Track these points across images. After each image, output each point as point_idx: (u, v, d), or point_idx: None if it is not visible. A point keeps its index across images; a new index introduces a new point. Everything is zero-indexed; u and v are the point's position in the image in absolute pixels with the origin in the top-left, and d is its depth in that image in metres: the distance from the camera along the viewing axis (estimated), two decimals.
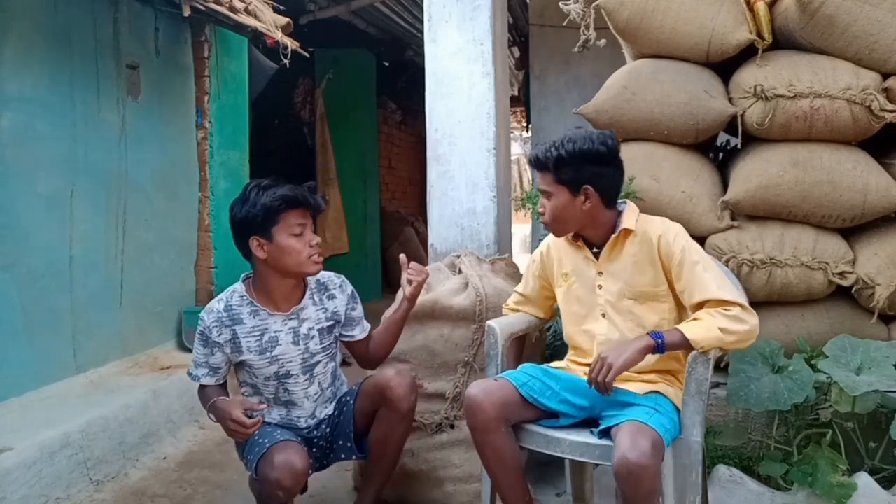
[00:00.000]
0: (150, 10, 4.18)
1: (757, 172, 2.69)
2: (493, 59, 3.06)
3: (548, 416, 2.08)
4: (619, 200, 2.15)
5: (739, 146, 2.83)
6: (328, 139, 6.92)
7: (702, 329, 1.91)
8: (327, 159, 6.91)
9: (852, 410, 2.31)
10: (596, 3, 2.96)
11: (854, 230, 2.74)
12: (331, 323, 2.35)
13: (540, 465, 2.70)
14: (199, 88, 4.65)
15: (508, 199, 3.24)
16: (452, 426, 2.58)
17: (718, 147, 3.19)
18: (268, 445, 2.14)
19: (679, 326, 1.95)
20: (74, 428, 2.89)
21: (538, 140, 5.76)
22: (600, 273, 2.13)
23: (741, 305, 1.94)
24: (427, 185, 3.16)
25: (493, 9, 3.06)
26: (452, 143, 3.09)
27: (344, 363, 2.61)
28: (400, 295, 2.54)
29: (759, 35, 2.77)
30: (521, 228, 11.79)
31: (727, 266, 2.57)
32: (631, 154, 2.89)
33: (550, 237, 2.27)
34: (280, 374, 2.28)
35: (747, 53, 2.82)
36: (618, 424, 1.88)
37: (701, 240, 2.79)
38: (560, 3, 3.09)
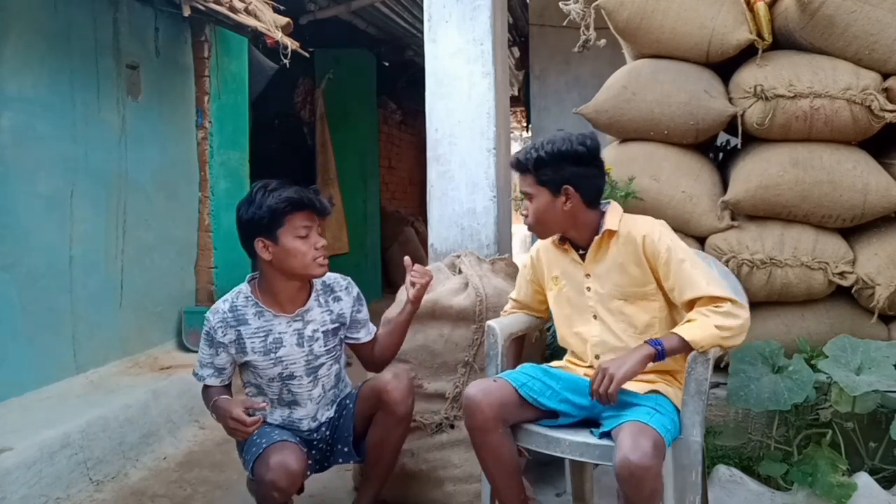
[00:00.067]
0: (150, 10, 4.18)
1: (757, 172, 2.69)
2: (493, 59, 3.06)
3: (547, 415, 2.08)
4: (603, 201, 2.16)
5: (739, 146, 2.83)
6: (328, 139, 6.92)
7: (698, 329, 1.91)
8: (327, 159, 6.91)
9: (852, 410, 2.31)
10: (596, 3, 2.96)
11: (854, 230, 2.74)
12: (336, 325, 2.35)
13: (540, 465, 2.70)
14: (199, 88, 4.65)
15: (508, 199, 3.24)
16: (452, 426, 2.58)
17: (718, 147, 3.19)
18: (265, 446, 2.14)
19: (676, 330, 1.94)
20: (74, 428, 2.89)
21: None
22: (588, 275, 2.14)
23: (731, 300, 1.94)
24: (427, 185, 3.16)
25: (493, 9, 3.06)
26: (452, 143, 3.09)
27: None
28: (401, 296, 2.54)
29: (759, 35, 2.77)
30: (522, 228, 11.73)
31: (727, 266, 2.57)
32: (631, 154, 2.90)
33: (540, 242, 2.28)
34: (284, 375, 2.28)
35: (747, 53, 2.82)
36: (619, 425, 1.88)
37: (701, 240, 2.80)
38: (560, 3, 3.09)
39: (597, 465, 2.29)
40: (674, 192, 2.79)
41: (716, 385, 2.58)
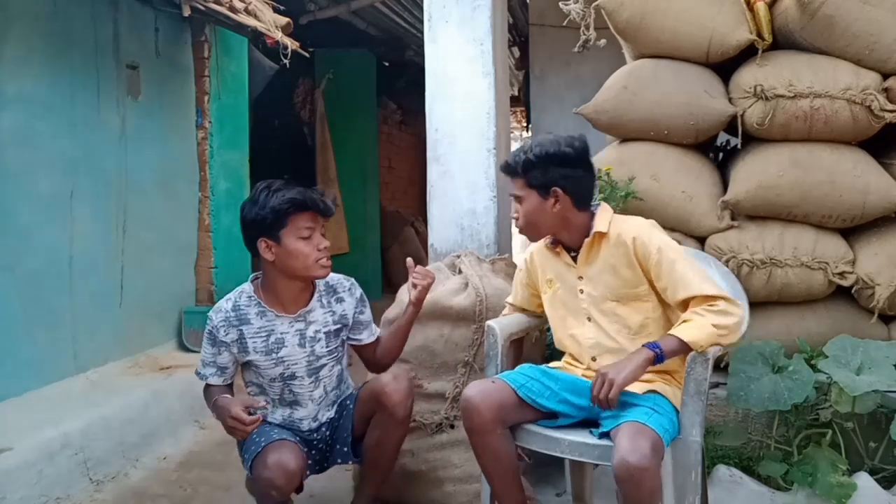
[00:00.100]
0: (150, 10, 4.18)
1: (757, 173, 2.69)
2: (493, 59, 3.06)
3: (546, 416, 2.08)
4: (593, 203, 2.15)
5: (739, 146, 2.83)
6: (328, 139, 6.92)
7: (696, 330, 1.91)
8: (327, 159, 6.91)
9: (852, 410, 2.31)
10: (596, 3, 2.96)
11: (854, 230, 2.74)
12: (338, 326, 2.34)
13: (540, 465, 2.70)
14: (199, 88, 4.66)
15: (508, 199, 3.24)
16: (452, 426, 2.57)
17: (718, 147, 3.19)
18: (263, 444, 2.14)
19: (673, 332, 1.94)
20: (74, 428, 2.89)
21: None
22: (580, 277, 2.14)
23: (725, 298, 1.94)
24: (427, 185, 3.16)
25: (493, 9, 3.06)
26: (452, 143, 3.09)
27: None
28: (402, 296, 2.54)
29: (759, 35, 2.77)
30: None
31: (727, 266, 2.57)
32: (631, 154, 2.90)
33: (533, 245, 2.28)
34: (285, 375, 2.28)
35: (747, 53, 2.82)
36: (617, 426, 1.88)
37: (701, 240, 2.80)
38: (560, 3, 3.09)
39: (597, 465, 2.29)
40: (674, 192, 2.79)
41: (716, 385, 2.58)
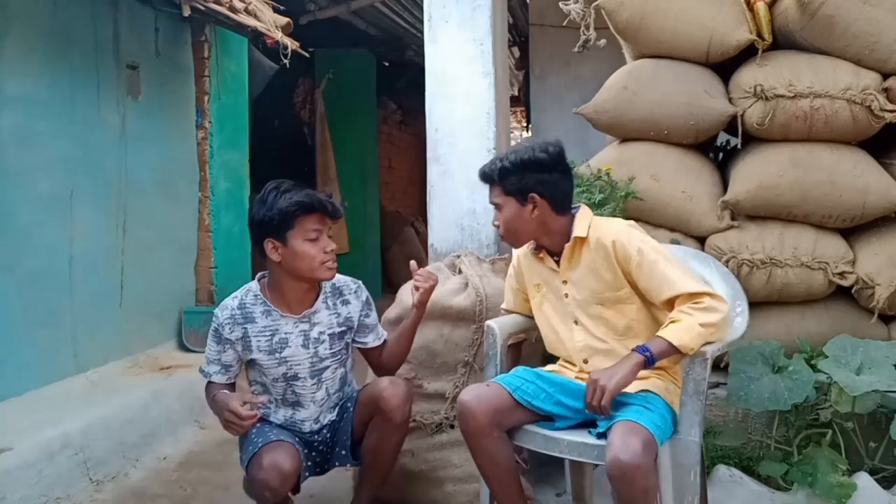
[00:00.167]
0: (150, 10, 4.18)
1: (757, 173, 2.69)
2: (493, 59, 3.06)
3: (542, 419, 2.08)
4: (574, 206, 2.15)
5: (739, 146, 2.83)
6: (328, 139, 6.92)
7: (684, 331, 1.90)
8: (327, 159, 6.91)
9: (852, 410, 2.31)
10: (596, 3, 2.96)
11: (854, 230, 2.74)
12: (342, 329, 2.34)
13: (540, 465, 2.70)
14: (199, 88, 4.66)
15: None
16: (452, 426, 2.57)
17: (718, 147, 3.19)
18: (260, 445, 2.15)
19: (661, 333, 1.92)
20: (74, 428, 2.89)
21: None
22: (565, 282, 2.14)
23: (709, 294, 1.94)
24: (427, 185, 3.15)
25: (493, 9, 3.06)
26: (452, 143, 3.09)
27: None
28: (402, 296, 2.53)
29: (759, 35, 2.77)
30: None
31: (727, 266, 2.57)
32: (631, 154, 2.90)
33: (519, 250, 2.28)
34: (288, 375, 2.28)
35: (747, 53, 2.82)
36: (611, 425, 1.88)
37: (701, 240, 2.80)
38: (560, 3, 3.09)
39: (596, 465, 2.29)
40: (674, 192, 2.79)
41: (716, 385, 2.58)
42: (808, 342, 2.54)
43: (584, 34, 3.04)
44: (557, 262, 2.15)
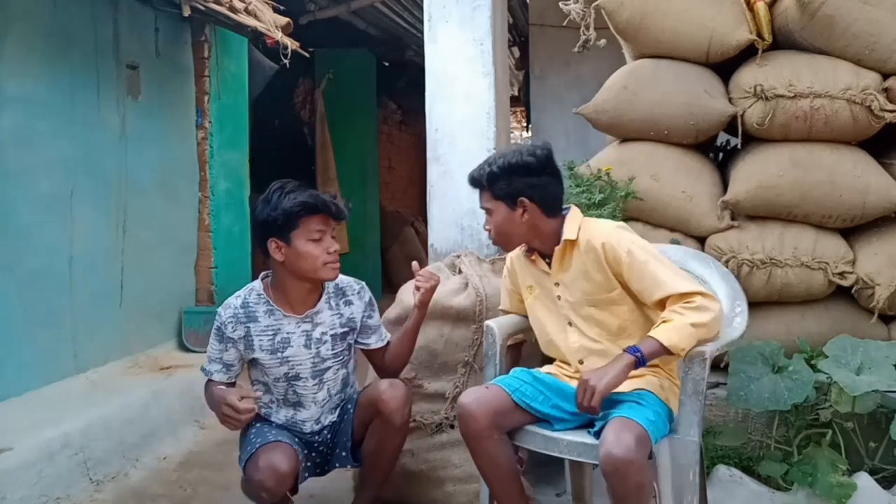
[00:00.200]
0: (150, 10, 4.18)
1: (757, 173, 2.69)
2: (493, 59, 3.06)
3: (541, 420, 2.08)
4: (564, 207, 2.15)
5: (739, 146, 2.83)
6: (328, 139, 6.92)
7: (675, 331, 1.89)
8: (327, 159, 6.91)
9: (852, 410, 2.31)
10: (596, 3, 2.96)
11: (854, 230, 2.74)
12: (345, 329, 2.34)
13: (540, 466, 2.70)
14: (199, 88, 4.66)
15: None
16: (452, 426, 2.57)
17: (718, 147, 3.19)
18: (258, 445, 2.15)
19: (652, 333, 1.91)
20: (74, 428, 2.90)
21: (538, 140, 5.75)
22: (557, 284, 2.14)
23: (701, 293, 1.93)
24: (427, 185, 3.16)
25: (493, 9, 3.06)
26: (452, 143, 3.09)
27: None
28: (402, 296, 2.53)
29: (759, 35, 2.77)
30: None
31: (727, 266, 2.57)
32: (631, 154, 2.90)
33: (512, 252, 2.28)
34: (290, 375, 2.28)
35: (747, 53, 2.82)
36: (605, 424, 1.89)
37: (701, 240, 2.80)
38: (560, 3, 3.09)
39: (596, 465, 2.29)
40: (674, 192, 2.79)
41: (716, 385, 2.58)
42: (808, 342, 2.54)
43: (584, 34, 3.04)
44: (549, 264, 2.15)
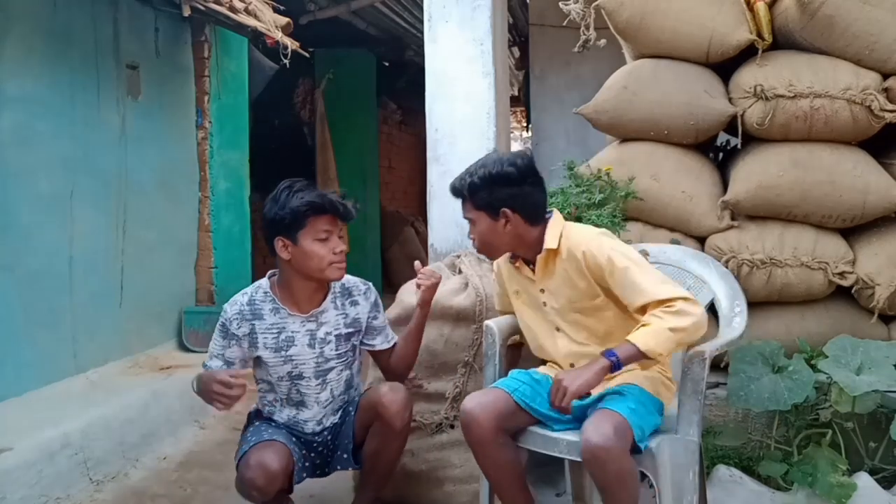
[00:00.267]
0: (150, 10, 4.18)
1: (757, 173, 2.69)
2: (493, 59, 3.06)
3: (541, 421, 2.08)
4: (547, 210, 2.14)
5: (739, 146, 2.83)
6: (328, 139, 6.92)
7: (652, 335, 1.87)
8: (327, 159, 6.91)
9: (852, 410, 2.31)
10: (596, 3, 2.96)
11: (854, 230, 2.74)
12: (350, 330, 2.33)
13: (540, 465, 2.69)
14: (199, 88, 4.66)
15: None
16: (452, 426, 2.57)
17: (718, 147, 3.19)
18: (252, 443, 2.15)
19: (630, 338, 1.90)
20: (74, 428, 2.90)
21: (538, 140, 5.76)
22: (542, 290, 2.13)
23: (683, 298, 1.91)
24: (427, 185, 3.16)
25: (493, 9, 3.06)
26: (452, 143, 3.09)
27: None
28: (402, 296, 2.53)
29: (759, 35, 2.76)
30: None
31: (727, 266, 2.57)
32: (631, 154, 2.90)
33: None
34: (293, 374, 2.28)
35: (747, 53, 2.82)
36: None
37: (701, 240, 2.80)
38: (560, 3, 3.09)
39: None
40: (674, 192, 2.79)
41: (716, 385, 2.58)
42: (808, 342, 2.54)
43: (584, 34, 3.04)
44: (534, 271, 2.14)
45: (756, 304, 2.62)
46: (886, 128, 2.67)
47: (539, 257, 2.09)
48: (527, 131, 10.22)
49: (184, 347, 4.33)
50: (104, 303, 3.75)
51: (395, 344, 2.42)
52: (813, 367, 2.38)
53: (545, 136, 5.65)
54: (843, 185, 2.63)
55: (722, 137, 3.11)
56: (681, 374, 2.01)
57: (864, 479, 2.27)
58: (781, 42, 2.82)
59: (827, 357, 2.37)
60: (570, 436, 2.01)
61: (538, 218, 2.10)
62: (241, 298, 2.28)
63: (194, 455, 3.32)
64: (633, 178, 2.80)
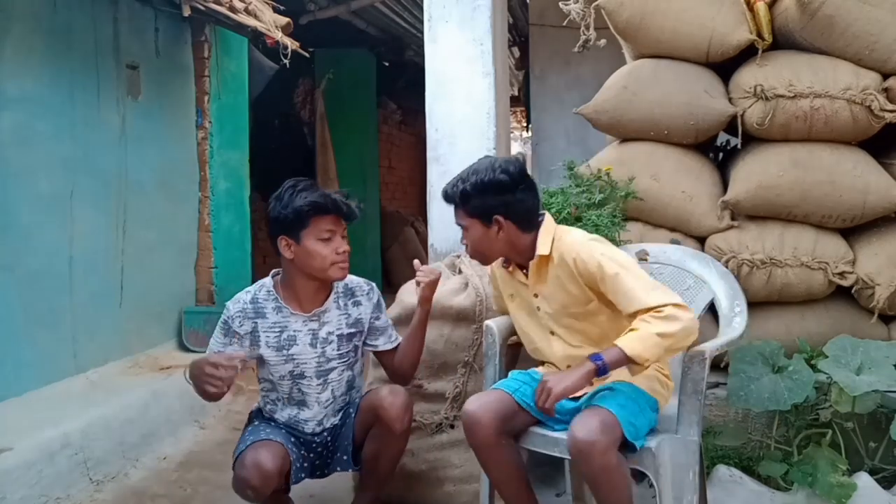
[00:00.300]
0: (150, 10, 4.18)
1: (757, 173, 2.69)
2: (493, 59, 3.06)
3: (540, 422, 2.08)
4: (539, 213, 2.13)
5: (739, 146, 2.83)
6: (328, 139, 6.92)
7: (639, 340, 1.85)
8: (327, 159, 6.91)
9: (852, 410, 2.31)
10: (596, 3, 2.96)
11: (854, 230, 2.74)
12: (352, 330, 2.33)
13: (540, 466, 2.70)
14: (199, 88, 4.66)
15: None
16: (452, 426, 2.57)
17: (718, 147, 3.19)
18: (249, 442, 2.16)
19: (618, 342, 1.88)
20: (74, 428, 2.89)
21: (538, 140, 5.76)
22: (536, 295, 2.14)
23: (673, 304, 1.89)
24: (427, 185, 3.16)
25: (493, 9, 3.06)
26: (452, 143, 3.09)
27: None
28: (402, 296, 2.53)
29: (759, 35, 2.76)
30: None
31: (727, 266, 2.57)
32: (631, 154, 2.90)
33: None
34: (295, 373, 2.28)
35: (747, 53, 2.82)
36: None
37: (701, 240, 2.80)
38: (560, 3, 3.09)
39: None
40: (674, 192, 2.79)
41: (716, 385, 2.58)
42: (808, 342, 2.54)
43: (584, 34, 3.04)
44: (527, 275, 2.14)
45: (756, 304, 2.62)
46: (886, 128, 2.67)
47: (532, 263, 2.09)
48: (527, 131, 10.22)
49: (184, 347, 4.33)
50: (104, 303, 3.75)
51: (398, 345, 2.42)
52: (813, 367, 2.38)
53: (545, 136, 5.65)
54: (843, 185, 2.63)
55: (722, 137, 3.11)
56: (681, 374, 2.01)
57: (864, 479, 2.27)
58: (781, 42, 2.82)
59: (827, 357, 2.37)
60: None
61: (531, 224, 2.10)
62: (244, 296, 2.29)
63: (194, 455, 3.32)
64: (633, 178, 2.80)
